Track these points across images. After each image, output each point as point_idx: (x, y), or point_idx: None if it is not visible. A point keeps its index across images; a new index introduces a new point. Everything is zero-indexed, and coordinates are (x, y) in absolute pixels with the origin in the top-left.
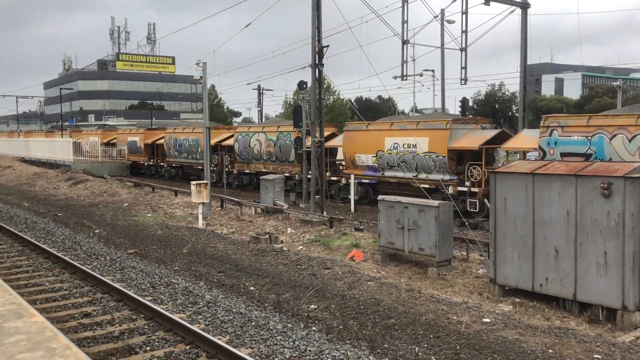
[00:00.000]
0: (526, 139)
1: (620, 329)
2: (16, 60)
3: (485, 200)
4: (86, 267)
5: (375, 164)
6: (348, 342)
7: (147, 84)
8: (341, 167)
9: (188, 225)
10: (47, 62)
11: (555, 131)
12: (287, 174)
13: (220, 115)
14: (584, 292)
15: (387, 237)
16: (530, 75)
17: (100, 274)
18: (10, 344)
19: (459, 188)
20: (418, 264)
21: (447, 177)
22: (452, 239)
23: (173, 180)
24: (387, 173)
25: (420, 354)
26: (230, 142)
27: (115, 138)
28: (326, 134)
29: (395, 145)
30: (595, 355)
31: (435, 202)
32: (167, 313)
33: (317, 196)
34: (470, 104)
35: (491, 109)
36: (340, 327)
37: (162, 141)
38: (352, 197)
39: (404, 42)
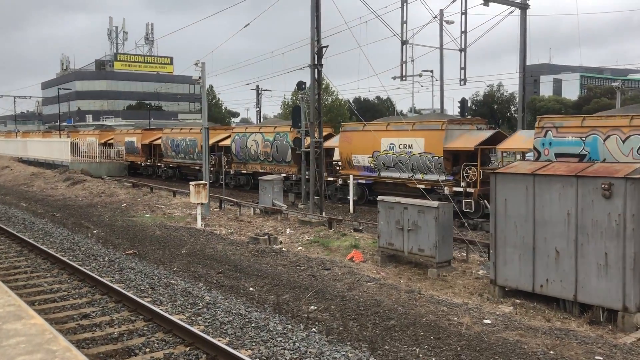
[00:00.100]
0: (521, 139)
1: (621, 330)
2: (14, 60)
3: (485, 201)
4: (85, 268)
5: (372, 165)
6: (348, 343)
7: (145, 84)
8: (337, 168)
9: (187, 225)
10: (44, 62)
11: (549, 132)
12: (284, 175)
13: (219, 116)
14: (584, 293)
15: (386, 238)
16: (529, 75)
17: (99, 275)
18: (10, 346)
19: (455, 188)
20: (418, 265)
21: (442, 177)
22: (452, 240)
23: (170, 181)
24: (383, 173)
25: (421, 355)
26: (227, 142)
27: (112, 138)
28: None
29: (392, 145)
30: (597, 357)
31: (435, 203)
32: (166, 314)
33: (315, 197)
34: (469, 104)
35: (490, 110)
36: (341, 328)
37: (159, 141)
38: (351, 197)
39: (403, 43)
